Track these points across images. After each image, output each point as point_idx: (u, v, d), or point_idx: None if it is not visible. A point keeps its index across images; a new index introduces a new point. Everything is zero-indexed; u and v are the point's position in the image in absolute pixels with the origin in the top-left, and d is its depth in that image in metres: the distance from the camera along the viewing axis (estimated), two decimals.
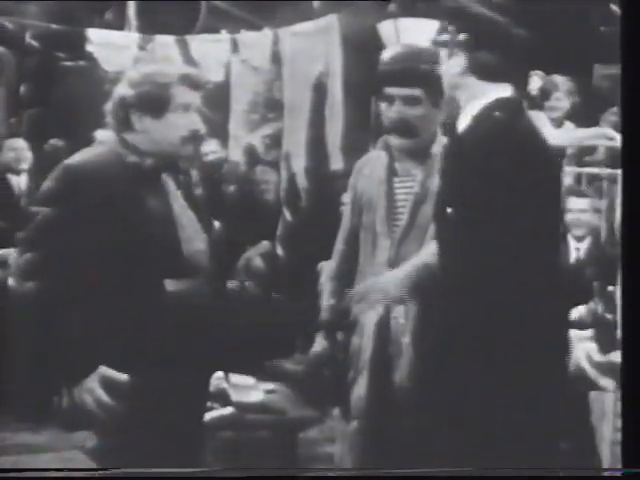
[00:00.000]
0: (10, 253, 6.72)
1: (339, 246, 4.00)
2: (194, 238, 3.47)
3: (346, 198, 4.00)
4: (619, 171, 6.79)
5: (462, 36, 3.30)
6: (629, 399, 3.74)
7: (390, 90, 3.74)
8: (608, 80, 9.21)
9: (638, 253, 3.67)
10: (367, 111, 6.80)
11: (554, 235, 3.52)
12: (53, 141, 7.99)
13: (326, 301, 4.01)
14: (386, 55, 3.78)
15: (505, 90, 3.36)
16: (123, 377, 3.23)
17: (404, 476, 4.03)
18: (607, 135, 7.19)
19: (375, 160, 3.94)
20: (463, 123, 3.38)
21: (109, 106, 3.51)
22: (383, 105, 3.77)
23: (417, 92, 3.71)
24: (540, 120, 6.36)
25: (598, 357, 5.86)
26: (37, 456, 4.35)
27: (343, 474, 4.08)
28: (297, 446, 4.93)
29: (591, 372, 5.77)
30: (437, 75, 3.64)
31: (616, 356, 6.00)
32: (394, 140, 3.78)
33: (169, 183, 3.49)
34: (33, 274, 3.28)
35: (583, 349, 5.89)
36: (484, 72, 3.32)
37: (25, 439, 4.83)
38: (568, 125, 7.39)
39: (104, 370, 3.24)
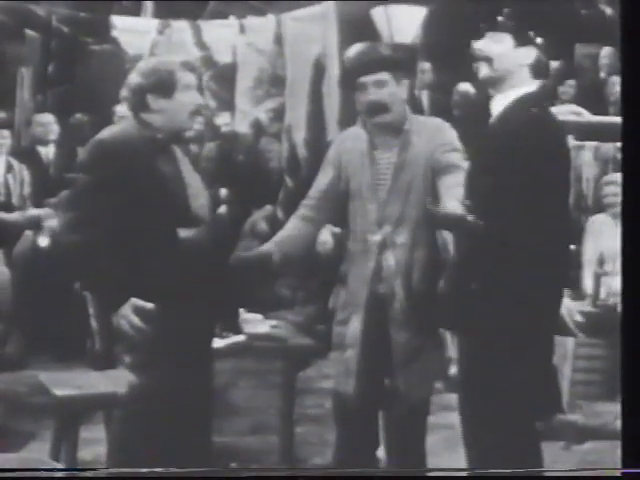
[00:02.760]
0: (42, 214, 7.35)
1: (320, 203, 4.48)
2: (199, 195, 4.00)
3: (327, 168, 4.47)
4: (586, 143, 7.43)
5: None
6: (629, 400, 3.81)
7: (363, 79, 4.23)
8: (589, 59, 9.74)
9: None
10: None
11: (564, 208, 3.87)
12: (78, 115, 8.41)
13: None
14: (351, 53, 4.31)
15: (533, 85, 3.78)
16: (150, 305, 3.77)
17: (404, 476, 4.40)
18: (574, 111, 7.78)
19: (355, 136, 4.42)
20: (497, 107, 3.78)
21: (125, 92, 4.01)
22: (358, 92, 4.27)
23: (384, 76, 4.23)
24: None
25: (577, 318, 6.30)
26: (86, 374, 5.00)
27: (343, 474, 4.37)
28: (296, 381, 5.32)
29: None
30: (397, 59, 4.30)
31: (580, 305, 6.58)
32: (372, 119, 4.28)
33: (177, 150, 4.03)
34: (74, 229, 3.79)
35: None
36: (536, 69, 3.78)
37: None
38: None
39: (135, 300, 3.76)
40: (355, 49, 4.33)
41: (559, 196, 3.79)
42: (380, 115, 4.27)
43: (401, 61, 4.36)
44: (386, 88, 4.25)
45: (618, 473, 3.77)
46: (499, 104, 3.81)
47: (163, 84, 3.95)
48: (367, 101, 4.26)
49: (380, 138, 4.34)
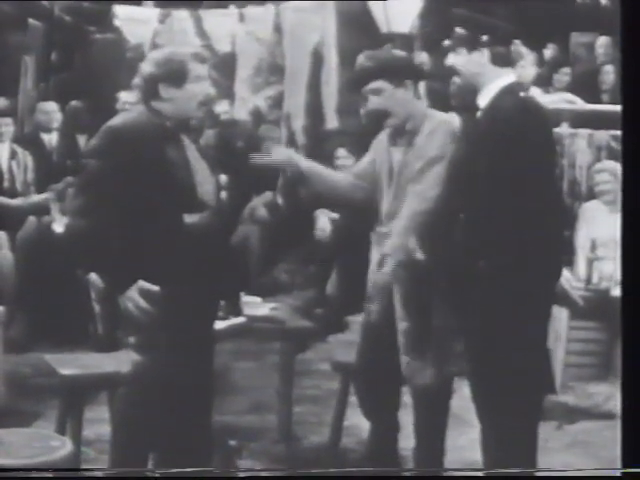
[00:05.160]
0: (46, 198, 7.42)
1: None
2: (205, 181, 4.08)
3: (371, 151, 4.59)
4: (579, 131, 7.53)
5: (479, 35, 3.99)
6: (629, 401, 3.81)
7: (363, 89, 4.37)
8: (584, 47, 9.84)
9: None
10: None
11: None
12: (81, 103, 8.30)
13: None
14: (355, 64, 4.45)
15: (511, 76, 4.01)
16: (155, 288, 3.88)
17: (404, 476, 4.48)
18: (568, 99, 7.88)
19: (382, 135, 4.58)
20: (484, 101, 3.99)
21: (137, 80, 4.14)
22: (363, 102, 4.40)
23: (379, 83, 4.33)
24: None
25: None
26: (90, 355, 5.11)
27: (343, 474, 4.43)
28: (294, 362, 5.39)
29: None
30: (393, 64, 4.41)
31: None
32: (378, 124, 4.42)
33: (186, 139, 4.09)
34: (83, 213, 3.89)
35: None
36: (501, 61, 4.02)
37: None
38: (534, 90, 7.96)
39: (141, 283, 3.87)
40: (357, 61, 4.44)
41: (548, 181, 3.97)
42: (384, 121, 4.40)
43: (400, 65, 4.44)
44: (383, 94, 4.35)
45: (618, 473, 3.78)
46: (486, 95, 4.00)
47: (175, 74, 4.04)
48: (368, 110, 4.40)
49: (395, 136, 4.46)
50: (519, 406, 3.88)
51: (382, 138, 4.53)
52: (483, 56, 4.01)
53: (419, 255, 4.19)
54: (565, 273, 6.14)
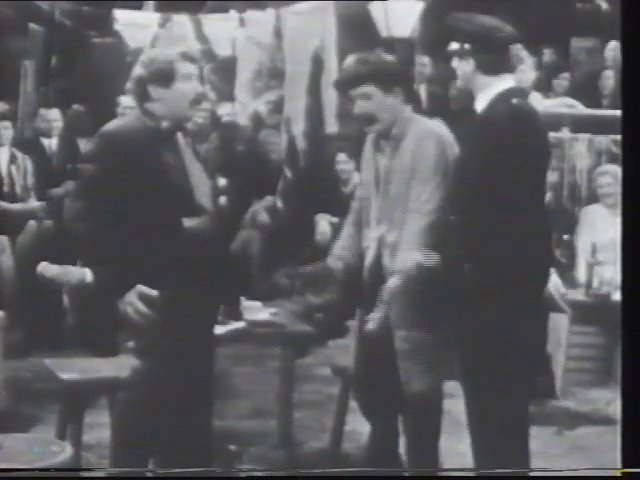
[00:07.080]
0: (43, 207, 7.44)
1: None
2: (202, 185, 4.10)
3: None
4: (579, 135, 7.56)
5: (468, 45, 3.98)
6: (629, 401, 3.82)
7: (351, 92, 4.33)
8: (584, 52, 9.88)
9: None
10: None
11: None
12: (81, 107, 8.47)
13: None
14: (343, 66, 4.42)
15: (509, 81, 4.00)
16: (154, 292, 3.91)
17: (404, 476, 4.45)
18: (568, 104, 7.91)
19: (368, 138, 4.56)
20: (480, 106, 4.00)
21: (129, 85, 4.16)
22: (351, 103, 4.36)
23: (369, 88, 4.28)
24: None
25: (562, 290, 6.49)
26: (90, 359, 5.10)
27: (344, 474, 4.46)
28: (294, 367, 5.36)
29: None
30: (385, 70, 4.35)
31: (573, 293, 6.70)
32: (364, 128, 4.40)
33: (181, 141, 4.12)
34: (81, 217, 3.92)
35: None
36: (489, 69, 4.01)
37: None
38: (535, 95, 8.03)
39: (140, 287, 3.91)
40: (346, 62, 4.43)
41: (543, 185, 4.03)
42: (369, 125, 4.37)
43: (391, 70, 4.40)
44: (372, 100, 4.32)
45: (618, 473, 3.78)
46: (482, 101, 4.04)
47: (161, 73, 4.07)
48: (355, 113, 4.37)
49: (380, 142, 4.44)
50: (511, 411, 3.89)
51: (367, 145, 4.51)
52: (469, 65, 4.03)
53: (427, 264, 4.16)
54: (554, 279, 6.12)
